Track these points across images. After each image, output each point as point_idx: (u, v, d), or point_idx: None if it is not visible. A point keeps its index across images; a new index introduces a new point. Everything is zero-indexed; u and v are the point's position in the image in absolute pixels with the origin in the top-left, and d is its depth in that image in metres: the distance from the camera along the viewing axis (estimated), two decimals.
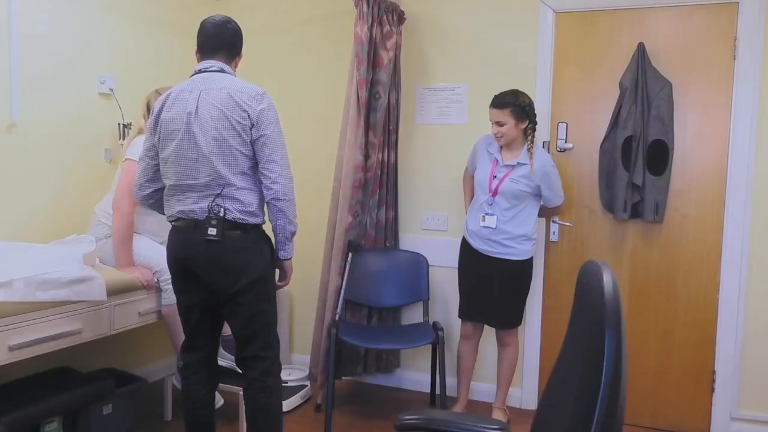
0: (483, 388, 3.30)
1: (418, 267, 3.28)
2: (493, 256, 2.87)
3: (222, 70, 2.19)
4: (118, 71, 3.10)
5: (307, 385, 3.33)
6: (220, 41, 2.21)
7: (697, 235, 2.99)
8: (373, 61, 3.12)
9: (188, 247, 2.13)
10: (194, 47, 2.24)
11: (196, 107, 2.09)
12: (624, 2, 3.01)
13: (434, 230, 3.38)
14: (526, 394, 3.29)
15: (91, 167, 2.99)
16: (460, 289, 3.04)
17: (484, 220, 2.84)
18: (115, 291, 2.39)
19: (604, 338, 0.98)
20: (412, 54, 3.40)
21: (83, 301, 2.25)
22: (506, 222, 2.83)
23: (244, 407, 2.60)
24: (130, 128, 3.06)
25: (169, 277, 2.57)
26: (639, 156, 2.90)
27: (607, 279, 1.04)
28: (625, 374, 0.99)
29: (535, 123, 2.83)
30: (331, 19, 3.53)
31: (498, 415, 3.03)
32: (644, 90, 2.90)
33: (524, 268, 2.89)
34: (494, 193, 2.83)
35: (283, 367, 2.40)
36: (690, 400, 3.03)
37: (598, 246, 3.14)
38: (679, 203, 3.00)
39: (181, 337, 2.66)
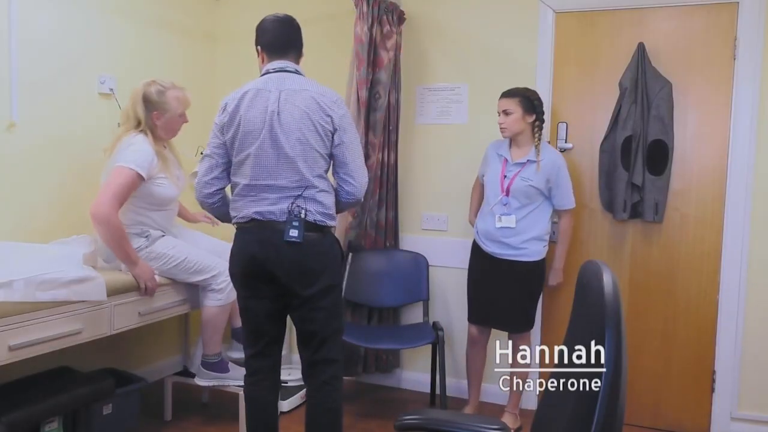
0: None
1: (417, 267, 3.28)
2: (505, 258, 2.83)
3: (297, 72, 2.18)
4: (118, 71, 3.10)
5: None
6: (291, 41, 2.21)
7: (697, 235, 2.98)
8: (373, 61, 3.12)
9: (267, 249, 2.09)
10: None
11: (278, 108, 2.08)
12: (624, 2, 3.01)
13: (434, 230, 3.38)
14: (526, 394, 3.28)
15: (91, 167, 2.98)
16: (468, 292, 3.01)
17: (501, 221, 2.80)
18: (115, 291, 2.39)
19: (604, 338, 0.98)
20: (412, 54, 3.40)
21: (83, 301, 2.25)
22: (519, 221, 2.80)
23: (244, 407, 2.60)
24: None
25: (226, 279, 2.56)
26: (639, 156, 2.90)
27: (607, 279, 1.04)
28: (625, 374, 0.99)
29: (543, 120, 2.82)
30: (331, 19, 3.53)
31: (508, 419, 2.99)
32: (644, 90, 2.90)
33: (536, 269, 2.84)
34: (507, 192, 2.80)
35: (283, 367, 2.40)
36: (690, 400, 3.03)
37: (598, 246, 3.14)
38: (679, 203, 3.00)
39: (217, 337, 2.72)
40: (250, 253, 2.12)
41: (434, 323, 3.15)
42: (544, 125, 2.85)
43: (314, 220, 2.10)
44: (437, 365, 3.05)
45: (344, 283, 3.16)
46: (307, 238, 2.08)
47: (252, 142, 2.10)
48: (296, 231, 2.06)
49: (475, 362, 3.04)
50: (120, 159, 2.47)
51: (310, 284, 2.12)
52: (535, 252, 2.82)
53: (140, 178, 2.46)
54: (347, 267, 3.21)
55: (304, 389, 3.27)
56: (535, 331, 3.24)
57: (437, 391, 3.08)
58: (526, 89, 2.82)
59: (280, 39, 2.20)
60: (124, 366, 3.10)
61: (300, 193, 2.09)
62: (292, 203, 2.08)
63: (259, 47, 2.24)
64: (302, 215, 2.07)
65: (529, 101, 2.77)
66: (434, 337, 3.01)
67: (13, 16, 2.58)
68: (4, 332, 2.01)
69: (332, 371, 2.22)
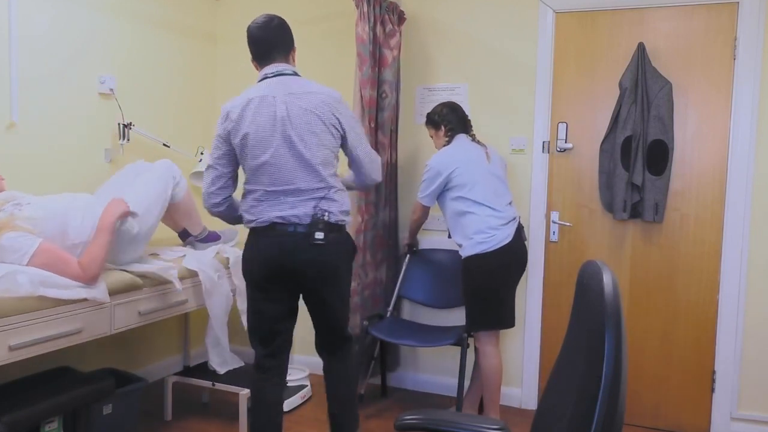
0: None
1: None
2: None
3: (295, 73, 2.23)
4: (118, 71, 3.10)
5: (307, 385, 3.33)
6: (269, 44, 2.24)
7: (697, 235, 2.99)
8: (378, 61, 3.13)
9: (291, 252, 2.14)
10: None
11: (287, 112, 2.11)
12: (624, 2, 3.02)
13: (434, 230, 3.38)
14: (526, 394, 3.29)
15: (91, 167, 2.99)
16: None
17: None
18: (116, 291, 2.39)
19: (604, 338, 0.98)
20: (412, 54, 3.41)
21: (83, 301, 2.25)
22: (450, 229, 2.89)
23: (250, 406, 2.61)
24: (131, 128, 3.06)
25: (174, 173, 2.66)
26: (639, 156, 2.90)
27: (607, 279, 1.04)
28: (625, 374, 0.99)
29: (449, 125, 2.88)
30: (334, 19, 3.53)
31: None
32: (644, 90, 2.90)
33: (465, 265, 2.79)
34: None
35: None
36: (690, 400, 3.04)
37: (598, 246, 3.14)
38: (679, 203, 3.00)
39: (195, 217, 2.87)
40: (271, 256, 2.16)
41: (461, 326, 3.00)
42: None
43: (336, 221, 2.17)
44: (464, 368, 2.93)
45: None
46: (329, 239, 2.14)
47: (265, 149, 2.13)
48: (321, 233, 2.12)
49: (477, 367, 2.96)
50: (17, 263, 2.12)
51: (332, 282, 2.22)
52: (463, 248, 2.80)
53: (41, 243, 2.16)
54: (405, 262, 3.34)
55: (304, 389, 3.30)
56: (535, 331, 3.25)
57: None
58: (433, 109, 2.95)
59: (262, 46, 2.24)
60: (124, 366, 3.10)
61: (322, 195, 2.16)
62: (315, 206, 2.14)
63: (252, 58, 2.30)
64: (325, 217, 2.13)
65: (430, 120, 2.95)
66: (455, 338, 2.90)
67: (12, 16, 2.58)
68: (5, 332, 2.01)
69: (350, 343, 2.40)
